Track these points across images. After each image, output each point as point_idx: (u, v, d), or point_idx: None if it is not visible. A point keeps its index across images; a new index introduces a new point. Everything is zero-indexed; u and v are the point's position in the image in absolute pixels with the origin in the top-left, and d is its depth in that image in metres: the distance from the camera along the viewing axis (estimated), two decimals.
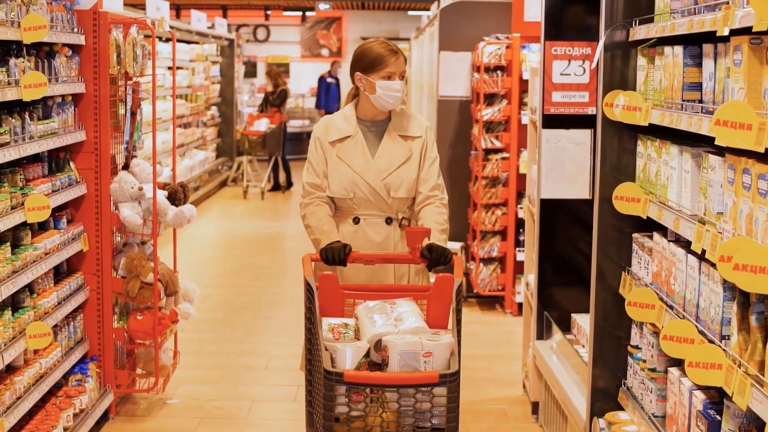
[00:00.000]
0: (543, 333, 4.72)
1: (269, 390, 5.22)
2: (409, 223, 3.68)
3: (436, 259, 3.36)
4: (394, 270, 3.64)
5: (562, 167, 4.58)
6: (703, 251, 2.56)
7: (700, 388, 2.72)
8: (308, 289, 3.13)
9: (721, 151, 2.56)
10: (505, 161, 6.85)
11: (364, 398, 2.86)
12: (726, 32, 2.37)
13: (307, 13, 20.08)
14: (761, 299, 2.29)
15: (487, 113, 6.84)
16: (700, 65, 2.76)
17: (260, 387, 5.27)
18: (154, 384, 4.81)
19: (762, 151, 2.15)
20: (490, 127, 6.91)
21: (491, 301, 7.12)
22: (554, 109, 4.53)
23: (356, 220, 3.63)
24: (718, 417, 2.56)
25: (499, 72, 6.85)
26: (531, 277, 4.95)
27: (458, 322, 3.09)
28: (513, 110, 6.77)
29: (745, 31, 2.29)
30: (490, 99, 6.95)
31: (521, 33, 6.69)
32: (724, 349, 2.44)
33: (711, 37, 2.59)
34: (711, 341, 2.53)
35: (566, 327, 4.49)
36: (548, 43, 4.51)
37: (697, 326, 2.65)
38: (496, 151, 6.92)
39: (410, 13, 19.32)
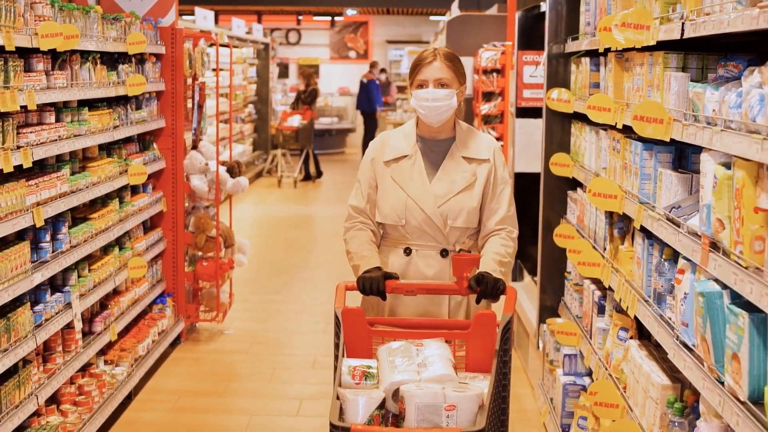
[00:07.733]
0: (517, 277, 6.05)
1: (305, 325, 6.57)
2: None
3: (485, 291, 2.96)
4: (449, 301, 3.25)
5: (532, 147, 5.91)
6: None
7: (599, 288, 4.03)
8: (337, 323, 2.80)
9: (607, 128, 3.88)
10: None
11: None
12: (602, 49, 3.69)
13: (336, 18, 21.46)
14: (621, 219, 3.61)
15: (484, 108, 8.16)
16: (598, 70, 4.07)
17: (297, 323, 6.63)
18: (215, 316, 6.18)
19: (614, 124, 3.46)
20: (487, 119, 8.23)
21: None
22: (525, 103, 5.86)
23: (407, 251, 3.24)
24: (604, 303, 3.88)
25: (495, 74, 8.16)
26: None
27: (504, 364, 2.72)
28: (506, 106, 8.07)
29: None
30: (488, 96, 8.27)
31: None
32: (602, 255, 3.76)
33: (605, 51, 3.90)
34: (597, 250, 3.85)
35: (535, 273, 5.79)
36: (520, 52, 5.84)
37: (592, 244, 3.97)
38: None
39: (431, 18, 20.62)
